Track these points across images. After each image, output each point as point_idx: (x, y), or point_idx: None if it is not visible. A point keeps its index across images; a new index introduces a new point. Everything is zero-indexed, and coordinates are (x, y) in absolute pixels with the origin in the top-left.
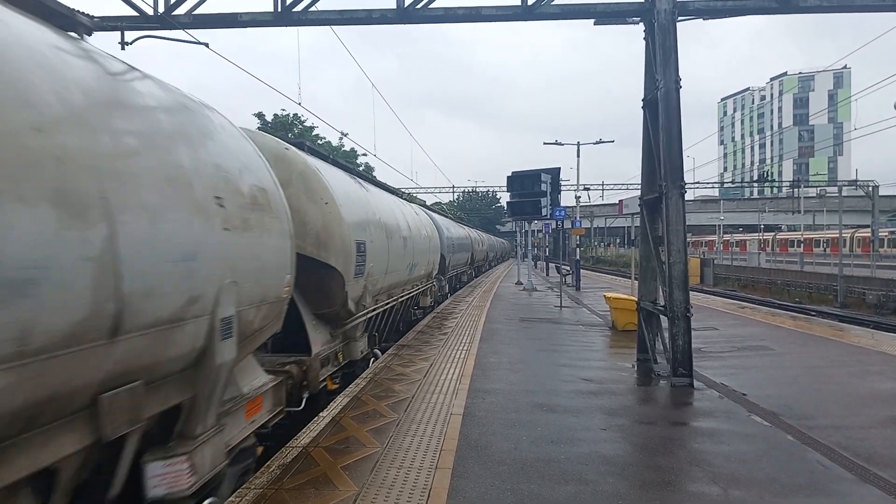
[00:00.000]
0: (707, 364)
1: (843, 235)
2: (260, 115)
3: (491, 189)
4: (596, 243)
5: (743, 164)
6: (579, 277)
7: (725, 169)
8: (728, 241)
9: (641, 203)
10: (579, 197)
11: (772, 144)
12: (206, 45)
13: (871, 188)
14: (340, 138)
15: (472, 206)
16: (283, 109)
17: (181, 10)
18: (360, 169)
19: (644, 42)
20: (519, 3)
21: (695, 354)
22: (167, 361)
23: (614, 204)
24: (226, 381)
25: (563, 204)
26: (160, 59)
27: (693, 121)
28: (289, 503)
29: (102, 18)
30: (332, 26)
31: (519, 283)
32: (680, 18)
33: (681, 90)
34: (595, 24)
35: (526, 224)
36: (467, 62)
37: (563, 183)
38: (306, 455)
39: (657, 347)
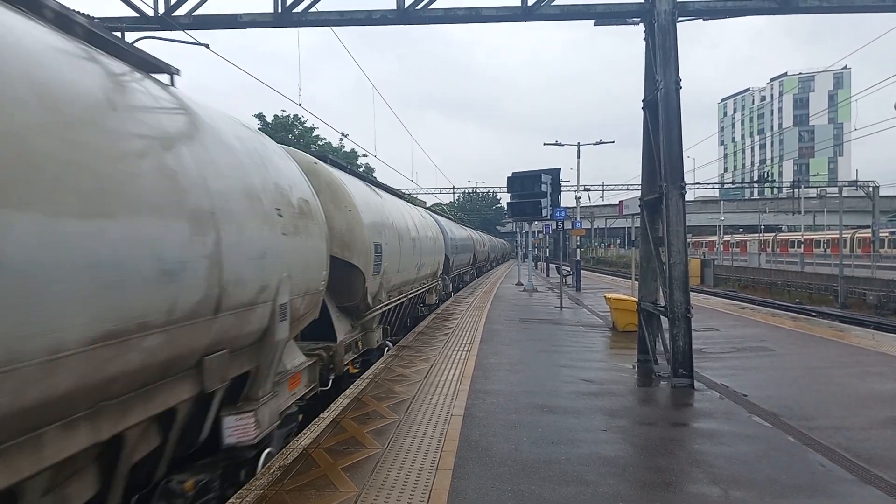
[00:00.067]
0: (707, 365)
1: (844, 236)
2: (260, 116)
3: (491, 190)
4: (596, 244)
5: (743, 165)
6: (580, 278)
7: (726, 169)
8: (728, 241)
9: (642, 204)
10: (579, 198)
11: (772, 145)
12: (207, 45)
13: (871, 188)
14: (341, 139)
15: (472, 206)
16: (284, 110)
17: (181, 11)
18: (361, 170)
19: (644, 43)
20: (519, 3)
21: (695, 355)
22: (244, 336)
23: (614, 205)
24: (280, 355)
25: (563, 205)
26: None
27: (693, 121)
28: None
29: (102, 19)
30: (332, 27)
31: (519, 283)
32: (680, 19)
33: (681, 91)
34: (595, 24)
35: (526, 225)
36: (467, 63)
37: (563, 184)
38: (307, 456)
39: (658, 348)
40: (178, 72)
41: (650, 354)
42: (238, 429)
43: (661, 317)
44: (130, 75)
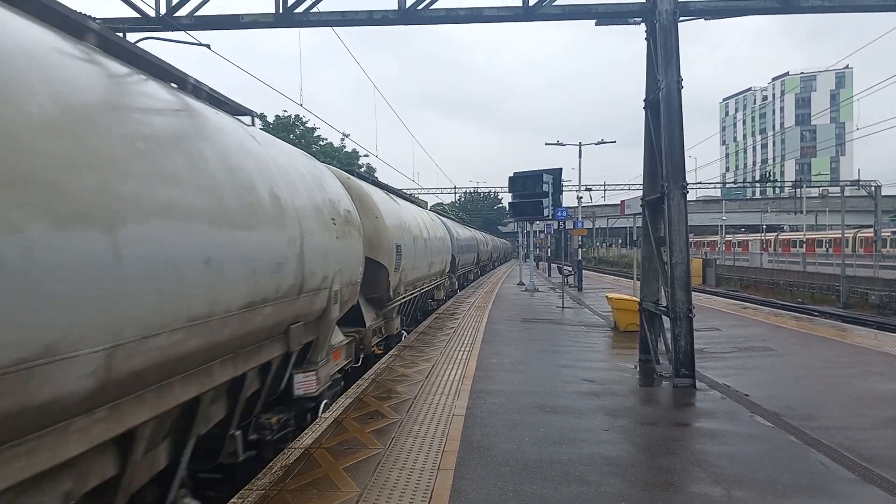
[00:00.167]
0: (709, 365)
1: (846, 236)
2: (262, 117)
3: (492, 190)
4: (598, 244)
5: (745, 165)
6: (581, 278)
7: (727, 169)
8: (730, 241)
9: (643, 203)
10: (581, 197)
11: (774, 144)
12: (208, 46)
13: (873, 188)
14: (342, 139)
15: (473, 206)
16: (285, 110)
17: (183, 12)
18: (363, 170)
19: (645, 43)
20: (520, 3)
21: (697, 355)
22: (312, 313)
23: (616, 204)
24: (331, 331)
25: (564, 204)
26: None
27: (694, 121)
28: None
29: (104, 20)
30: (333, 27)
31: (521, 283)
32: (681, 19)
33: (682, 90)
34: (596, 24)
35: (528, 225)
36: (467, 63)
37: (564, 183)
38: (308, 456)
39: (659, 348)
40: (258, 115)
41: (652, 354)
42: (305, 383)
43: (663, 316)
44: (217, 115)
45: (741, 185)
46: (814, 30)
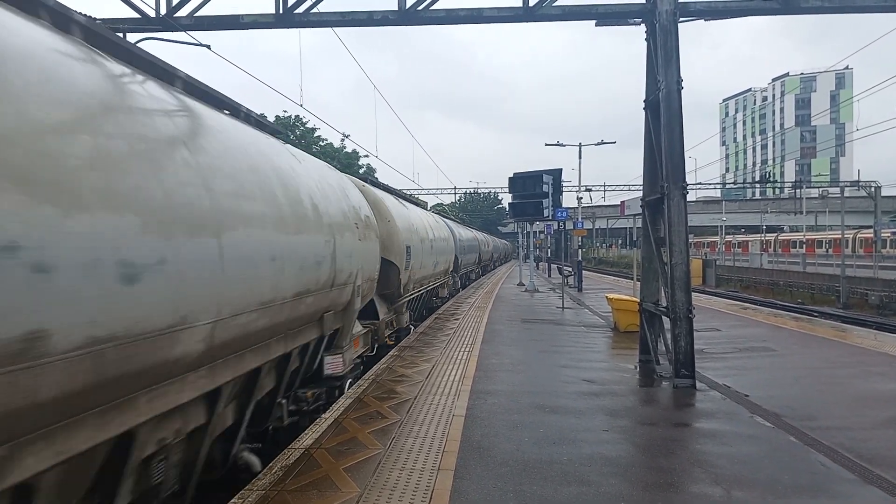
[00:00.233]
0: (709, 365)
1: (846, 236)
2: (262, 117)
3: (492, 190)
4: (598, 244)
5: (745, 165)
6: (581, 279)
7: (727, 170)
8: (730, 241)
9: (643, 204)
10: (581, 198)
11: (774, 145)
12: (208, 46)
13: (873, 189)
14: (342, 140)
15: (473, 207)
16: (285, 111)
17: (183, 12)
18: (363, 171)
19: (645, 43)
20: (520, 4)
21: (697, 355)
22: (340, 304)
23: (616, 205)
24: (354, 321)
25: (564, 205)
26: None
27: (694, 121)
28: None
29: (104, 21)
30: (334, 27)
31: (521, 284)
32: (681, 19)
33: (682, 91)
34: (596, 25)
35: (528, 225)
36: (467, 63)
37: (564, 184)
38: (309, 457)
39: (659, 348)
40: (288, 136)
41: (652, 355)
42: (333, 364)
43: (663, 317)
44: (267, 140)
45: (741, 185)
46: (814, 30)
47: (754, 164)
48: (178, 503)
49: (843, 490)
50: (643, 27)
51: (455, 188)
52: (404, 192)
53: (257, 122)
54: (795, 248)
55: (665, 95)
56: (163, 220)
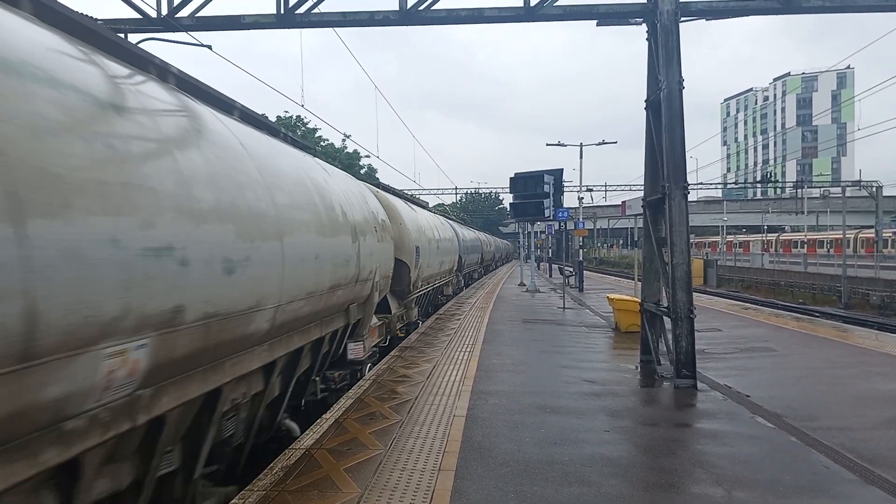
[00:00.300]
0: (710, 365)
1: (847, 236)
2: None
3: (493, 190)
4: (599, 244)
5: (746, 165)
6: (582, 279)
7: (729, 170)
8: (731, 241)
9: (644, 204)
10: (582, 198)
11: (775, 145)
12: (210, 47)
13: (874, 188)
14: (343, 140)
15: (474, 207)
16: (286, 111)
17: (184, 13)
18: (364, 171)
19: (647, 43)
20: (521, 4)
21: (698, 356)
22: (361, 297)
23: (617, 205)
24: (371, 313)
25: (565, 205)
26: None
27: (695, 121)
28: None
29: (105, 21)
30: (335, 28)
31: (522, 284)
32: (682, 19)
33: (683, 91)
34: (597, 25)
35: (529, 225)
36: (467, 63)
37: (565, 184)
38: (309, 457)
39: (660, 349)
40: (316, 151)
41: (653, 355)
42: (355, 350)
43: (664, 317)
44: (304, 156)
45: (742, 185)
46: (814, 30)
47: (755, 163)
48: (237, 457)
49: (845, 490)
50: (644, 27)
51: (456, 188)
52: (405, 192)
53: (293, 140)
54: (797, 248)
55: (666, 95)
56: (247, 228)
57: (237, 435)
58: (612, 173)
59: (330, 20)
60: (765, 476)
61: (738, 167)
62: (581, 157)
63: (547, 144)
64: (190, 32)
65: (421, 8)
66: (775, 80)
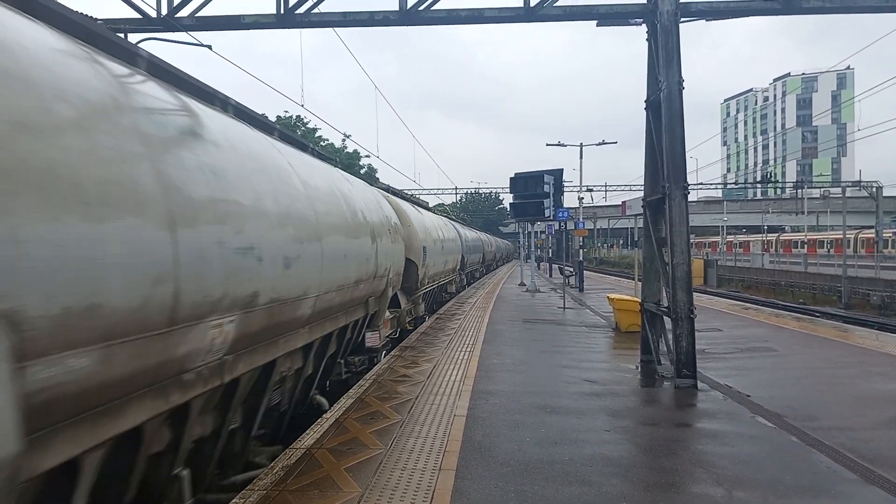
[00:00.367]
0: (711, 365)
1: (847, 236)
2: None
3: (493, 190)
4: (599, 244)
5: (746, 165)
6: (582, 279)
7: (729, 170)
8: (731, 242)
9: (644, 204)
10: (582, 198)
11: (775, 145)
12: (209, 47)
13: (874, 189)
14: (343, 140)
15: (474, 207)
16: (286, 111)
17: (184, 13)
18: (364, 171)
19: (647, 43)
20: (521, 4)
21: (698, 355)
22: (378, 291)
23: (617, 205)
24: (386, 306)
25: (565, 205)
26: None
27: (695, 121)
28: None
29: (105, 21)
30: (335, 28)
31: (522, 284)
32: (682, 19)
33: (683, 91)
34: (597, 25)
35: (529, 225)
36: (467, 63)
37: (565, 184)
38: (310, 457)
39: (661, 349)
40: (336, 162)
41: (653, 355)
42: (372, 338)
43: (665, 317)
44: (330, 168)
45: (742, 185)
46: (814, 30)
47: (755, 164)
48: (280, 423)
49: (845, 490)
50: (644, 27)
51: (456, 188)
52: (405, 192)
53: (319, 154)
54: (797, 248)
55: (666, 96)
56: (298, 232)
57: (282, 403)
58: (612, 173)
59: (330, 20)
60: (765, 476)
61: (738, 167)
62: (581, 158)
63: (547, 144)
64: (190, 32)
65: (421, 8)
66: (775, 80)
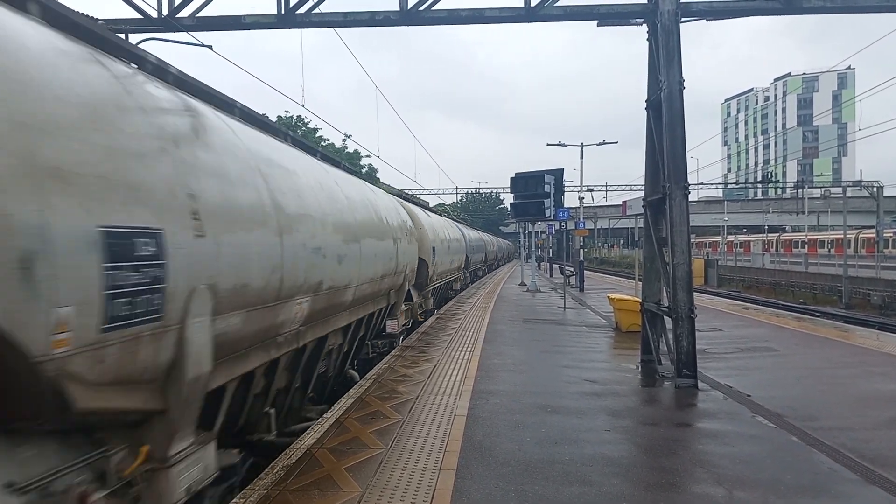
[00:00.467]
0: (711, 365)
1: (848, 236)
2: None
3: (494, 190)
4: (599, 244)
5: (747, 165)
6: (583, 279)
7: (729, 170)
8: (732, 241)
9: (645, 204)
10: (582, 198)
11: (776, 145)
12: (210, 47)
13: (875, 188)
14: (344, 140)
15: (475, 207)
16: (287, 111)
17: (185, 13)
18: (364, 171)
19: (647, 43)
20: (522, 4)
21: (699, 355)
22: (396, 285)
23: (618, 205)
24: (402, 299)
25: (566, 205)
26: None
27: (696, 121)
28: None
29: (106, 21)
30: (335, 28)
31: (522, 284)
32: (683, 19)
33: (684, 91)
34: (598, 25)
35: (529, 225)
36: (468, 63)
37: (566, 184)
38: (310, 457)
39: (661, 348)
40: (361, 174)
41: (654, 355)
42: (392, 325)
43: (665, 317)
44: (360, 181)
45: (743, 185)
46: (815, 29)
47: (756, 164)
48: (324, 389)
49: (846, 490)
50: (645, 27)
51: (457, 188)
52: (405, 192)
53: (348, 169)
54: (797, 248)
55: (667, 96)
56: (346, 235)
57: (328, 372)
58: (612, 173)
59: (331, 20)
60: (766, 476)
61: (738, 167)
62: (581, 158)
63: (547, 144)
64: (191, 32)
65: (421, 8)
66: (776, 80)
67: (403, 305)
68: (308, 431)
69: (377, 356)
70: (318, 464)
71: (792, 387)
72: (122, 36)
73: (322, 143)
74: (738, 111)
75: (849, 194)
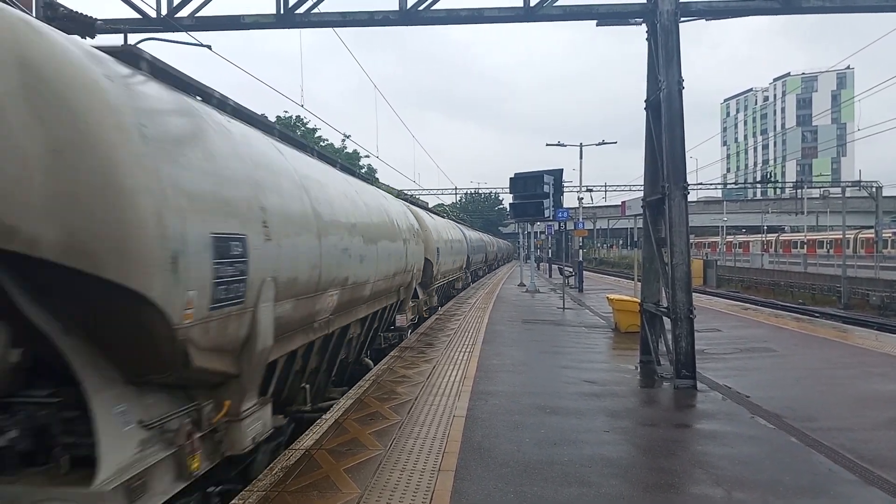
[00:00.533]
0: (710, 366)
1: (847, 236)
2: (263, 117)
3: (493, 190)
4: (598, 245)
5: (746, 165)
6: (582, 279)
7: (728, 170)
8: (731, 242)
9: (644, 204)
10: (582, 198)
11: (775, 145)
12: (209, 47)
13: (874, 189)
14: (343, 140)
15: (474, 207)
16: (286, 111)
17: (184, 13)
18: (363, 171)
19: (646, 43)
20: (521, 4)
21: (698, 356)
22: (405, 283)
23: (617, 205)
24: (410, 296)
25: (565, 205)
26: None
27: (695, 121)
28: None
29: (105, 21)
30: (334, 28)
31: (521, 284)
32: (682, 19)
33: (683, 91)
34: (597, 25)
35: (528, 226)
36: (467, 63)
37: (565, 184)
38: (309, 458)
39: (660, 349)
40: (376, 181)
41: (653, 355)
42: (401, 319)
43: (664, 318)
44: (374, 188)
45: (742, 185)
46: (814, 29)
47: (755, 164)
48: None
49: (845, 491)
50: (644, 27)
51: (456, 188)
52: (405, 192)
53: (361, 176)
54: (796, 248)
55: (666, 96)
56: (366, 237)
57: (348, 358)
58: (612, 173)
59: (330, 20)
60: (765, 477)
61: (737, 167)
62: (581, 158)
63: (547, 145)
64: (190, 32)
65: (421, 8)
66: (775, 80)
67: (411, 302)
68: (307, 433)
69: (388, 346)
70: (317, 465)
71: (791, 387)
72: (122, 36)
73: (321, 143)
74: (738, 111)
75: (848, 194)
